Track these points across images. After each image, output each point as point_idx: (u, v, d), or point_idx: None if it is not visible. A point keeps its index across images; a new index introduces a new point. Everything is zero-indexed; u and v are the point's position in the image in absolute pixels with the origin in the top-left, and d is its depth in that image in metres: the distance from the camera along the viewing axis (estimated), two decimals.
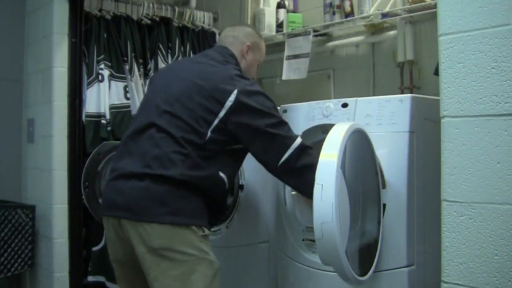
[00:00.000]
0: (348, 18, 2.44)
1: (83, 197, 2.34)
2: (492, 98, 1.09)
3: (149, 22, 2.76)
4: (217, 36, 2.99)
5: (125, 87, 2.56)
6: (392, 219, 1.57)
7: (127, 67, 2.59)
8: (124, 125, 2.43)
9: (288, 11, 2.79)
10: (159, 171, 1.48)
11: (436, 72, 1.35)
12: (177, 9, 2.90)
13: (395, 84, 2.35)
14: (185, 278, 1.45)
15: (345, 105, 1.73)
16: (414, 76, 2.29)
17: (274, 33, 2.82)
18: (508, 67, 1.07)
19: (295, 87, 2.80)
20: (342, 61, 2.65)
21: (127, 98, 2.55)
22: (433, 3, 2.07)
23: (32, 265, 2.47)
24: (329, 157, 1.34)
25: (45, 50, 2.46)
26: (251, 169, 2.00)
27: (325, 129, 1.73)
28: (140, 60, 2.68)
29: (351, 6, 2.44)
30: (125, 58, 2.59)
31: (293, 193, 1.90)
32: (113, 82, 2.53)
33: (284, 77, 2.67)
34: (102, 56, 2.49)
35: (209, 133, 1.52)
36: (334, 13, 2.51)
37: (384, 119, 1.62)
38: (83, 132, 2.44)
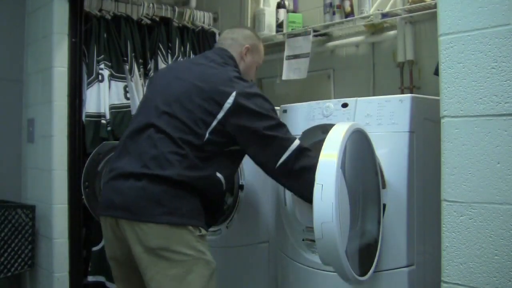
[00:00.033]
0: (348, 18, 2.44)
1: (83, 197, 2.34)
2: (492, 98, 1.09)
3: (149, 22, 2.76)
4: (217, 36, 2.99)
5: (125, 87, 2.56)
6: (392, 219, 1.57)
7: (127, 67, 2.59)
8: (124, 125, 2.43)
9: (288, 11, 2.79)
10: (156, 171, 1.48)
11: (436, 72, 1.35)
12: (177, 9, 2.90)
13: (395, 84, 2.35)
14: (182, 278, 1.46)
15: (345, 105, 1.73)
16: (414, 76, 2.29)
17: (274, 33, 2.82)
18: (508, 67, 1.07)
19: (295, 87, 2.80)
20: (342, 61, 2.65)
21: (127, 98, 2.56)
22: (433, 3, 2.07)
23: (32, 265, 2.47)
24: (329, 157, 1.34)
25: (45, 50, 2.46)
26: (251, 169, 2.00)
27: (325, 129, 1.73)
28: (140, 60, 2.68)
29: (351, 6, 2.44)
30: (125, 58, 2.59)
31: None
32: (113, 82, 2.53)
33: (284, 77, 2.67)
34: (102, 56, 2.49)
35: (207, 135, 1.53)
36: (334, 13, 2.51)
37: (384, 119, 1.62)
38: (83, 132, 2.44)
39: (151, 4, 2.80)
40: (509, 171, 1.07)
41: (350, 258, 1.36)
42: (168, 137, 1.52)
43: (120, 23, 2.61)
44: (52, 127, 2.39)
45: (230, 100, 1.53)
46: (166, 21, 2.80)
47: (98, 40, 2.50)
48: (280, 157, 1.54)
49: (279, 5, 2.80)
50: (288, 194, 1.89)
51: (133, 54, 2.62)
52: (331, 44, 2.66)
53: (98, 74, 2.47)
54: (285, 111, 1.98)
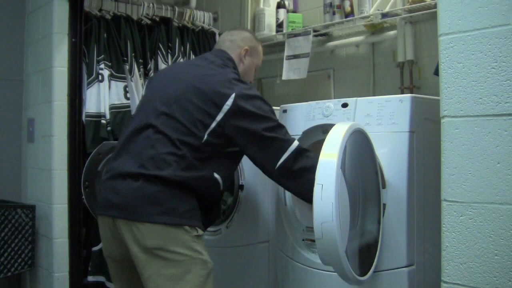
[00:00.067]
0: (348, 18, 2.44)
1: (83, 197, 2.35)
2: (492, 98, 1.09)
3: (149, 22, 2.76)
4: (217, 36, 2.99)
5: (125, 87, 2.56)
6: (392, 219, 1.57)
7: (127, 67, 2.59)
8: (124, 125, 2.43)
9: (288, 11, 2.79)
10: (153, 171, 1.49)
11: (436, 72, 1.35)
12: (177, 9, 2.90)
13: (395, 84, 2.35)
14: (179, 278, 1.46)
15: (345, 105, 1.73)
16: (414, 76, 2.29)
17: (274, 33, 2.82)
18: (508, 67, 1.07)
19: (295, 87, 2.80)
20: (342, 61, 2.65)
21: (127, 98, 2.56)
22: (433, 3, 2.07)
23: (32, 265, 2.47)
24: (329, 157, 1.34)
25: (45, 50, 2.46)
26: (251, 169, 2.00)
27: (325, 129, 1.73)
28: (140, 60, 2.68)
29: (351, 6, 2.44)
30: (125, 58, 2.59)
31: None
32: (113, 82, 2.53)
33: (284, 77, 2.67)
34: (102, 56, 2.49)
35: (206, 136, 1.54)
36: (334, 13, 2.51)
37: (384, 119, 1.62)
38: (83, 132, 2.44)
39: (151, 4, 2.80)
40: (509, 171, 1.07)
41: (350, 258, 1.36)
42: (166, 137, 1.53)
43: (120, 23, 2.61)
44: (52, 127, 2.39)
45: (229, 102, 1.54)
46: (166, 21, 2.80)
47: (98, 40, 2.50)
48: (279, 158, 1.55)
49: (279, 5, 2.80)
50: (288, 194, 1.89)
51: (133, 54, 2.62)
52: (331, 44, 2.66)
53: (98, 74, 2.47)
54: (285, 111, 1.98)
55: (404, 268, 1.56)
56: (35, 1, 2.59)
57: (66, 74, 2.41)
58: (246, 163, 1.82)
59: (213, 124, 1.54)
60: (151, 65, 2.73)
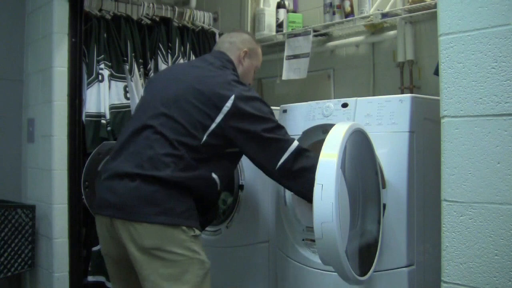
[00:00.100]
0: (348, 18, 2.44)
1: (83, 197, 2.35)
2: (492, 98, 1.09)
3: (149, 22, 2.76)
4: (217, 36, 2.99)
5: (125, 87, 2.56)
6: (392, 219, 1.57)
7: (127, 67, 2.59)
8: (124, 125, 2.43)
9: (288, 11, 2.79)
10: (151, 171, 1.49)
11: (436, 72, 1.35)
12: (177, 9, 2.90)
13: (395, 84, 2.35)
14: (176, 278, 1.47)
15: (345, 105, 1.73)
16: (414, 76, 2.29)
17: (274, 33, 2.82)
18: (508, 67, 1.07)
19: (295, 87, 2.80)
20: (342, 61, 2.65)
21: (127, 98, 2.56)
22: (433, 3, 2.07)
23: (32, 265, 2.47)
24: (329, 157, 1.34)
25: (45, 50, 2.46)
26: (251, 169, 2.00)
27: (325, 129, 1.73)
28: (140, 60, 2.68)
29: (351, 6, 2.44)
30: (125, 58, 2.59)
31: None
32: (113, 82, 2.53)
33: (284, 77, 2.68)
34: (102, 56, 2.49)
35: (205, 137, 1.54)
36: (334, 13, 2.51)
37: (384, 119, 1.62)
38: (83, 132, 2.44)
39: (151, 4, 2.80)
40: (509, 171, 1.07)
41: (350, 258, 1.36)
42: (165, 138, 1.53)
43: (120, 23, 2.61)
44: (52, 127, 2.39)
45: (229, 103, 1.54)
46: (166, 21, 2.80)
47: (98, 40, 2.50)
48: (279, 159, 1.56)
49: (279, 5, 2.80)
50: (288, 194, 1.90)
51: (133, 54, 2.62)
52: (331, 44, 2.66)
53: (98, 74, 2.47)
54: (285, 111, 1.98)
55: (404, 268, 1.56)
56: (35, 1, 2.59)
57: (66, 74, 2.41)
58: (246, 163, 1.82)
59: (213, 126, 1.55)
60: (151, 65, 2.73)
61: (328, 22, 2.54)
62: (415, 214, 1.59)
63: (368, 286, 1.54)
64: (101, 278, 2.46)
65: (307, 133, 1.83)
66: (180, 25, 2.86)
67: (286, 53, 2.68)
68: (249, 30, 2.98)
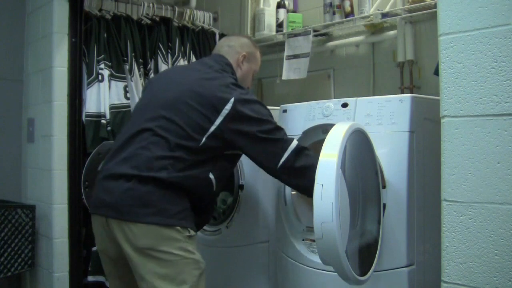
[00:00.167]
0: (348, 18, 2.45)
1: (83, 197, 2.34)
2: (492, 98, 1.09)
3: (149, 22, 2.76)
4: (217, 36, 2.99)
5: (125, 87, 2.56)
6: (392, 219, 1.57)
7: (127, 67, 2.59)
8: (124, 125, 2.43)
9: (288, 11, 2.79)
10: (147, 172, 1.50)
11: (436, 72, 1.35)
12: (177, 9, 2.90)
13: (395, 84, 2.35)
14: (172, 278, 1.47)
15: (345, 105, 1.73)
16: (414, 76, 2.29)
17: (274, 33, 2.82)
18: (508, 67, 1.07)
19: (295, 87, 2.80)
20: (342, 61, 2.65)
21: (127, 98, 2.55)
22: (433, 3, 2.07)
23: (32, 265, 2.47)
24: (329, 157, 1.34)
25: (45, 50, 2.46)
26: (251, 169, 2.01)
27: (325, 129, 1.73)
28: (140, 60, 2.68)
29: (351, 6, 2.44)
30: (125, 58, 2.59)
31: (293, 193, 1.90)
32: (113, 82, 2.52)
33: (284, 77, 2.68)
34: (102, 56, 2.49)
35: (204, 139, 1.56)
36: (334, 13, 2.51)
37: (384, 119, 1.62)
38: (83, 132, 2.43)
39: (151, 4, 2.80)
40: (509, 171, 1.07)
41: (350, 258, 1.36)
42: (163, 140, 1.54)
43: (120, 23, 2.60)
44: (52, 127, 2.39)
45: (228, 106, 1.56)
46: (166, 21, 2.80)
47: (98, 40, 2.50)
48: (280, 158, 1.58)
49: (279, 5, 2.80)
50: (288, 194, 1.90)
51: (133, 54, 2.62)
52: (331, 44, 2.66)
53: (98, 74, 2.47)
54: (285, 111, 1.98)
55: (404, 268, 1.56)
56: (35, 1, 2.58)
57: (66, 74, 2.41)
58: (246, 163, 1.83)
59: (212, 128, 1.56)
60: (151, 65, 2.73)
61: (328, 22, 2.54)
62: (415, 214, 1.59)
63: (368, 286, 1.54)
64: (101, 278, 2.46)
65: (307, 133, 1.83)
66: (180, 25, 2.86)
67: (286, 53, 2.68)
68: (249, 30, 2.98)
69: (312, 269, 1.73)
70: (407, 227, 1.56)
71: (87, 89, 2.45)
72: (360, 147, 1.52)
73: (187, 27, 2.89)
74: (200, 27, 2.96)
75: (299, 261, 1.79)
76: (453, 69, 1.16)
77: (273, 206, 2.05)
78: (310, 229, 1.78)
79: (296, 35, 2.65)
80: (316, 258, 1.66)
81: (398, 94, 1.97)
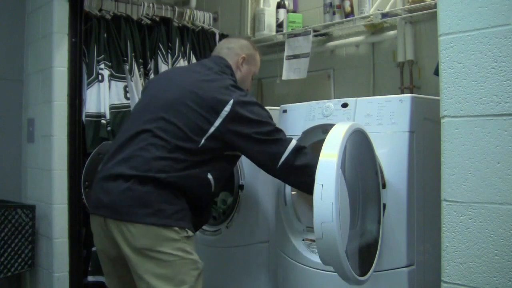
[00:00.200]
0: (348, 18, 2.44)
1: (83, 197, 2.35)
2: (492, 98, 1.09)
3: (149, 22, 2.76)
4: (217, 36, 2.99)
5: (125, 87, 2.56)
6: (392, 219, 1.57)
7: (127, 67, 2.59)
8: (123, 125, 2.43)
9: (288, 11, 2.79)
10: (145, 173, 1.51)
11: (436, 72, 1.35)
12: (177, 9, 2.90)
13: (395, 84, 2.35)
14: (170, 278, 1.48)
15: (345, 105, 1.73)
16: (414, 76, 2.29)
17: (274, 33, 2.82)
18: (508, 67, 1.07)
19: (295, 87, 2.80)
20: (342, 61, 2.65)
21: (127, 98, 2.56)
22: (433, 3, 2.07)
23: (32, 265, 2.47)
24: (329, 157, 1.34)
25: (45, 50, 2.46)
26: (251, 169, 2.00)
27: (325, 129, 1.73)
28: (140, 60, 2.68)
29: (351, 6, 2.44)
30: (125, 58, 2.59)
31: (293, 193, 1.91)
32: (113, 82, 2.53)
33: (284, 77, 2.67)
34: (102, 56, 2.49)
35: (203, 141, 1.56)
36: (334, 13, 2.51)
37: (384, 119, 1.62)
38: (83, 132, 2.44)
39: (151, 4, 2.80)
40: (509, 171, 1.07)
41: (350, 258, 1.36)
42: (162, 141, 1.55)
43: (120, 23, 2.61)
44: (52, 127, 2.39)
45: (228, 108, 1.56)
46: (166, 21, 2.80)
47: (98, 40, 2.50)
48: (280, 158, 1.59)
49: (279, 5, 2.80)
50: (288, 194, 1.90)
51: (133, 54, 2.62)
52: (331, 44, 2.66)
53: (98, 74, 2.47)
54: (285, 111, 1.98)
55: (404, 268, 1.56)
56: (35, 1, 2.58)
57: (66, 74, 2.41)
58: (246, 163, 1.83)
59: (211, 129, 1.56)
60: (151, 65, 2.73)
61: (328, 22, 2.54)
62: (415, 214, 1.59)
63: (368, 286, 1.54)
64: (101, 278, 2.45)
65: (307, 133, 1.83)
66: (180, 25, 2.86)
67: (286, 53, 2.68)
68: (249, 30, 2.98)
69: (312, 269, 1.73)
70: (407, 227, 1.56)
71: (87, 89, 2.45)
72: (360, 147, 1.52)
73: (187, 27, 2.89)
74: (200, 27, 2.96)
75: (299, 261, 1.79)
76: (453, 69, 1.16)
77: (273, 206, 2.05)
78: (310, 229, 1.78)
79: (296, 35, 2.65)
80: (316, 258, 1.66)
81: (398, 94, 1.97)
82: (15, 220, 2.40)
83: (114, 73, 2.53)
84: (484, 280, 1.10)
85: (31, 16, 2.66)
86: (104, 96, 2.47)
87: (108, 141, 2.40)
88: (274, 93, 2.98)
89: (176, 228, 1.51)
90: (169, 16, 2.85)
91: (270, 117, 1.65)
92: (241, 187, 2.10)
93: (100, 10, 2.59)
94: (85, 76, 2.47)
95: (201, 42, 2.94)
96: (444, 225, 1.17)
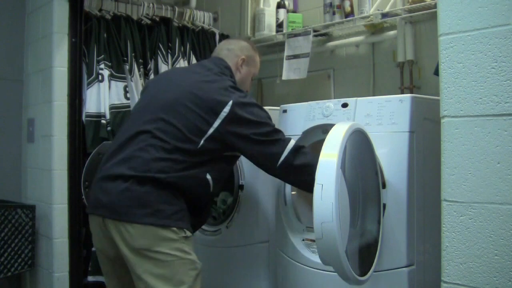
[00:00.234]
0: (348, 18, 2.44)
1: (83, 197, 2.35)
2: (492, 98, 1.09)
3: (149, 22, 2.76)
4: (217, 36, 2.99)
5: (125, 87, 2.56)
6: (392, 219, 1.57)
7: (127, 67, 2.59)
8: (123, 126, 2.43)
9: (288, 11, 2.79)
10: (144, 174, 1.51)
11: (436, 72, 1.35)
12: (177, 9, 2.90)
13: (395, 84, 2.35)
14: (168, 278, 1.48)
15: (345, 105, 1.73)
16: (414, 76, 2.29)
17: (274, 33, 2.82)
18: (508, 67, 1.07)
19: (295, 87, 2.80)
20: (342, 61, 2.65)
21: (127, 98, 2.56)
22: (433, 3, 2.07)
23: (32, 265, 2.47)
24: (329, 157, 1.34)
25: (45, 50, 2.46)
26: (251, 169, 2.00)
27: (325, 129, 1.73)
28: (140, 60, 2.68)
29: (351, 6, 2.44)
30: (125, 58, 2.59)
31: (293, 193, 1.91)
32: (113, 82, 2.53)
33: (284, 77, 2.67)
34: (102, 56, 2.49)
35: (202, 141, 1.57)
36: (334, 13, 2.51)
37: (384, 119, 1.62)
38: (83, 132, 2.44)
39: (151, 4, 2.80)
40: (509, 171, 1.07)
41: (350, 258, 1.36)
42: (161, 142, 1.55)
43: (120, 23, 2.61)
44: (52, 127, 2.39)
45: (227, 109, 1.57)
46: (166, 21, 2.80)
47: (98, 40, 2.50)
48: (279, 158, 1.60)
49: (279, 5, 2.80)
50: (288, 193, 1.90)
51: (133, 54, 2.62)
52: (331, 44, 2.66)
53: (98, 74, 2.47)
54: (285, 111, 1.98)
55: (404, 268, 1.56)
56: (35, 1, 2.58)
57: (66, 74, 2.41)
58: (246, 163, 1.83)
59: (210, 130, 1.57)
60: (151, 65, 2.73)
61: (328, 22, 2.54)
62: (415, 214, 1.59)
63: (368, 286, 1.54)
64: (101, 278, 2.45)
65: (307, 133, 1.83)
66: (180, 25, 2.86)
67: (286, 53, 2.68)
68: (249, 30, 2.98)
69: (312, 269, 1.73)
70: (407, 227, 1.56)
71: (87, 89, 2.45)
72: (360, 147, 1.52)
73: (187, 27, 2.89)
74: (200, 27, 2.96)
75: (299, 261, 1.79)
76: (453, 69, 1.16)
77: (273, 206, 2.05)
78: (310, 229, 1.78)
79: (296, 35, 2.65)
80: (316, 258, 1.66)
81: (398, 94, 1.97)
82: (15, 220, 2.40)
83: (114, 73, 2.54)
84: (484, 280, 1.10)
85: (31, 16, 2.66)
86: (104, 96, 2.47)
87: (108, 141, 2.39)
88: (274, 93, 2.98)
89: (175, 229, 1.51)
90: (169, 16, 2.85)
91: (269, 118, 1.66)
92: (241, 187, 2.10)
93: (100, 10, 2.59)
94: (85, 76, 2.47)
95: (201, 42, 2.94)
96: (444, 225, 1.17)
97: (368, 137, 1.56)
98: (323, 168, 1.34)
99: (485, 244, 1.10)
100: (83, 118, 2.44)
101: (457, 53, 1.15)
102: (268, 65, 2.77)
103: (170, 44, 2.77)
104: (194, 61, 2.85)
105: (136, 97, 2.58)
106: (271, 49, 2.90)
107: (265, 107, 1.72)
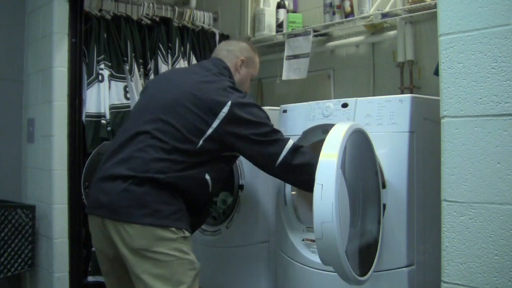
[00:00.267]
0: (348, 18, 2.44)
1: (83, 197, 2.35)
2: (492, 98, 1.09)
3: (149, 22, 2.76)
4: (217, 36, 2.99)
5: (125, 87, 2.56)
6: (392, 219, 1.57)
7: (127, 67, 2.59)
8: (122, 126, 2.43)
9: (288, 11, 2.79)
10: (144, 174, 1.51)
11: (436, 72, 1.35)
12: (177, 9, 2.90)
13: (395, 84, 2.35)
14: (167, 278, 1.49)
15: (345, 105, 1.73)
16: (414, 76, 2.29)
17: (274, 33, 2.82)
18: (508, 67, 1.07)
19: (295, 87, 2.80)
20: (342, 61, 2.65)
21: (127, 98, 2.56)
22: (433, 3, 2.07)
23: (32, 265, 2.47)
24: (329, 157, 1.34)
25: (45, 50, 2.46)
26: (251, 169, 2.00)
27: (325, 129, 1.73)
28: (140, 60, 2.68)
29: (351, 6, 2.44)
30: (125, 58, 2.59)
31: (293, 193, 1.91)
32: (113, 82, 2.53)
33: (284, 77, 2.67)
34: (102, 56, 2.49)
35: (201, 142, 1.57)
36: (334, 13, 2.51)
37: (384, 119, 1.62)
38: (83, 132, 2.44)
39: (151, 4, 2.80)
40: (509, 171, 1.07)
41: (350, 258, 1.36)
42: (160, 142, 1.55)
43: (120, 23, 2.61)
44: (52, 127, 2.39)
45: (225, 109, 1.57)
46: (166, 21, 2.80)
47: (98, 40, 2.50)
48: (277, 158, 1.60)
49: (279, 5, 2.80)
50: (288, 194, 1.90)
51: (133, 54, 2.62)
52: (331, 44, 2.66)
53: (98, 74, 2.47)
54: (285, 111, 1.98)
55: (404, 268, 1.56)
56: (35, 1, 2.59)
57: (66, 74, 2.41)
58: (246, 163, 1.83)
59: (209, 131, 1.57)
60: (151, 65, 2.73)
61: (328, 22, 2.54)
62: (415, 214, 1.59)
63: (368, 286, 1.54)
64: (101, 278, 2.44)
65: (307, 133, 1.83)
66: (180, 25, 2.86)
67: (286, 53, 2.68)
68: (249, 30, 2.98)
69: (312, 269, 1.73)
70: (407, 227, 1.56)
71: (87, 89, 2.45)
72: (360, 147, 1.52)
73: (187, 27, 2.89)
74: (200, 27, 2.96)
75: (299, 261, 1.79)
76: (453, 69, 1.16)
77: (273, 206, 2.05)
78: (310, 229, 1.78)
79: (296, 35, 2.65)
80: (316, 258, 1.66)
81: (398, 94, 1.97)
82: (15, 220, 2.40)
83: (114, 73, 2.54)
84: (484, 280, 1.10)
85: (31, 16, 2.66)
86: (104, 96, 2.47)
87: (108, 141, 2.40)
88: (274, 93, 2.98)
89: (173, 229, 1.51)
90: (169, 16, 2.85)
91: (268, 118, 1.66)
92: (241, 187, 2.10)
93: (100, 10, 2.59)
94: (85, 76, 2.47)
95: (201, 42, 2.94)
96: (444, 225, 1.17)
97: (368, 137, 1.56)
98: (323, 168, 1.34)
99: (485, 244, 1.10)
100: (83, 118, 2.44)
101: (457, 53, 1.15)
102: (268, 65, 2.77)
103: (170, 44, 2.77)
104: (194, 61, 2.85)
105: (136, 97, 2.58)
106: (271, 49, 2.90)
107: (265, 107, 1.73)
